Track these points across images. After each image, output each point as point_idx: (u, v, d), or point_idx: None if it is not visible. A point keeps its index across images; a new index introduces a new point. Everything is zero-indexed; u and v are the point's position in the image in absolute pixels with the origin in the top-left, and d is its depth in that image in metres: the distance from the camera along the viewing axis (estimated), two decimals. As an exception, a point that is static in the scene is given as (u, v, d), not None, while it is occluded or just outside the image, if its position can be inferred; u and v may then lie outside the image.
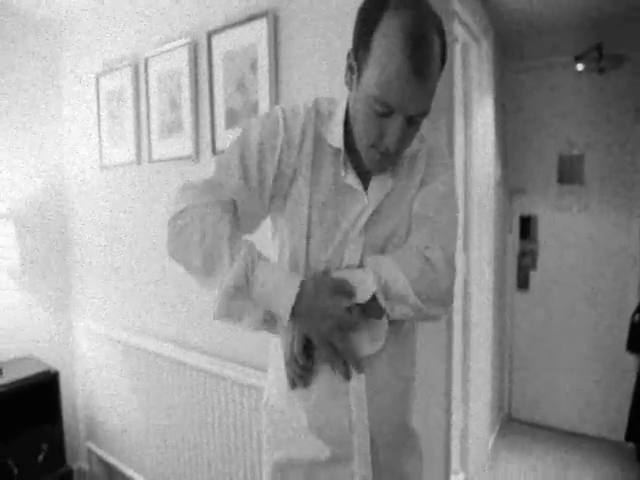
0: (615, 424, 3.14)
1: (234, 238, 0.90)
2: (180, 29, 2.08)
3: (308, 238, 0.96)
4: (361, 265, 0.96)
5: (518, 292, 3.57)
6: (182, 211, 0.92)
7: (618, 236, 3.15)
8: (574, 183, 3.28)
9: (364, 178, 0.97)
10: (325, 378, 0.98)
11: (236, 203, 0.96)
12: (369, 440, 0.98)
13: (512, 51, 3.31)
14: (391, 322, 0.99)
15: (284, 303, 0.86)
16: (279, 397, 1.07)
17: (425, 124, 1.02)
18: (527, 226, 3.47)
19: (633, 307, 2.93)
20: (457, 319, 2.51)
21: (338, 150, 0.95)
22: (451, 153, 2.02)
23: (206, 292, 0.94)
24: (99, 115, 2.54)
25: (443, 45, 0.84)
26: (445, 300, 0.97)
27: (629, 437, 2.85)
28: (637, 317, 2.81)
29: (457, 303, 2.51)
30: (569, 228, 3.33)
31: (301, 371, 0.97)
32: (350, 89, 0.92)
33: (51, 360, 2.66)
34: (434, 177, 1.00)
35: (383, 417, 1.00)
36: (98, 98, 2.52)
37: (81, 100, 2.66)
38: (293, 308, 0.87)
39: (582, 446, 3.22)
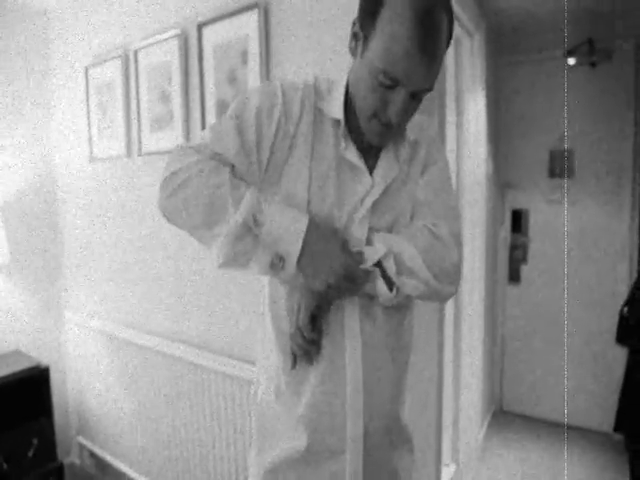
0: (604, 416, 3.16)
1: (235, 185, 0.87)
2: (170, 21, 2.06)
3: None
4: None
5: (509, 285, 3.59)
6: (176, 171, 0.89)
7: (608, 230, 3.17)
8: (565, 177, 3.29)
9: (367, 157, 0.96)
10: (321, 365, 0.96)
11: (234, 167, 0.92)
12: (362, 429, 0.97)
13: (504, 45, 3.31)
14: (394, 312, 0.99)
15: (293, 239, 0.84)
16: (269, 389, 1.04)
17: (423, 118, 1.04)
18: (518, 220, 3.49)
19: (622, 300, 2.93)
20: (449, 312, 2.50)
21: (338, 122, 0.94)
22: (443, 146, 1.98)
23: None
24: (88, 107, 2.52)
25: (450, 23, 0.84)
26: (454, 277, 0.96)
27: (617, 428, 2.86)
28: (626, 310, 2.81)
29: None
30: (560, 222, 3.34)
31: (307, 345, 0.93)
32: (354, 56, 0.91)
33: (41, 355, 2.64)
34: (432, 164, 1.01)
35: (377, 406, 0.99)
36: (87, 90, 2.51)
37: (70, 92, 2.64)
38: (303, 244, 0.84)
39: (572, 438, 3.25)
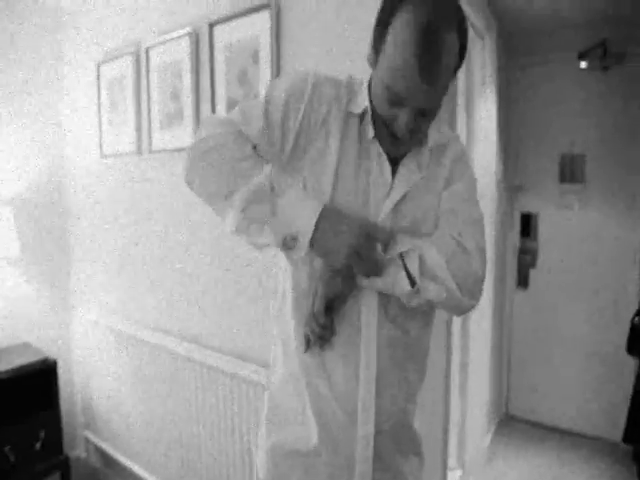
0: (612, 424, 3.13)
1: (257, 160, 0.91)
2: (182, 19, 2.07)
3: None
4: None
5: (518, 290, 3.56)
6: (204, 138, 0.93)
7: (619, 235, 3.14)
8: (575, 182, 3.27)
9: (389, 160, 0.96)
10: (333, 359, 0.96)
11: (257, 147, 0.94)
12: (373, 428, 0.97)
13: (515, 47, 3.29)
14: (415, 314, 0.99)
15: (307, 217, 0.85)
16: (285, 370, 1.04)
17: (449, 132, 1.05)
18: (528, 224, 3.46)
19: (633, 306, 2.90)
20: (456, 318, 2.42)
21: (362, 115, 0.95)
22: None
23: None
24: (100, 103, 2.54)
25: (462, 44, 0.84)
26: (476, 290, 0.94)
27: (626, 439, 2.83)
28: (637, 319, 2.79)
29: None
30: (570, 227, 3.32)
31: (321, 330, 0.94)
32: (372, 67, 0.92)
33: (49, 348, 2.66)
34: (459, 180, 1.00)
35: (388, 407, 0.99)
36: (99, 86, 2.53)
37: (82, 88, 2.66)
38: (317, 223, 0.84)
39: (579, 445, 3.22)
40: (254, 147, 0.94)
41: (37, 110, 2.65)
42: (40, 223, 2.68)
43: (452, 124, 2.09)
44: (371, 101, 0.93)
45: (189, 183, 0.95)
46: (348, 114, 0.95)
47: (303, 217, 0.85)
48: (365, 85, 0.96)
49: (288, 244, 0.85)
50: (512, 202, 3.50)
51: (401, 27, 0.79)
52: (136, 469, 2.42)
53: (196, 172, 0.93)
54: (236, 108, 0.98)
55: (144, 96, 2.29)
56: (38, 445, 2.33)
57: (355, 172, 0.94)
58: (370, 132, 0.93)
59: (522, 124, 3.43)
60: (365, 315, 0.95)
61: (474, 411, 2.80)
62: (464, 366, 2.69)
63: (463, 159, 1.03)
